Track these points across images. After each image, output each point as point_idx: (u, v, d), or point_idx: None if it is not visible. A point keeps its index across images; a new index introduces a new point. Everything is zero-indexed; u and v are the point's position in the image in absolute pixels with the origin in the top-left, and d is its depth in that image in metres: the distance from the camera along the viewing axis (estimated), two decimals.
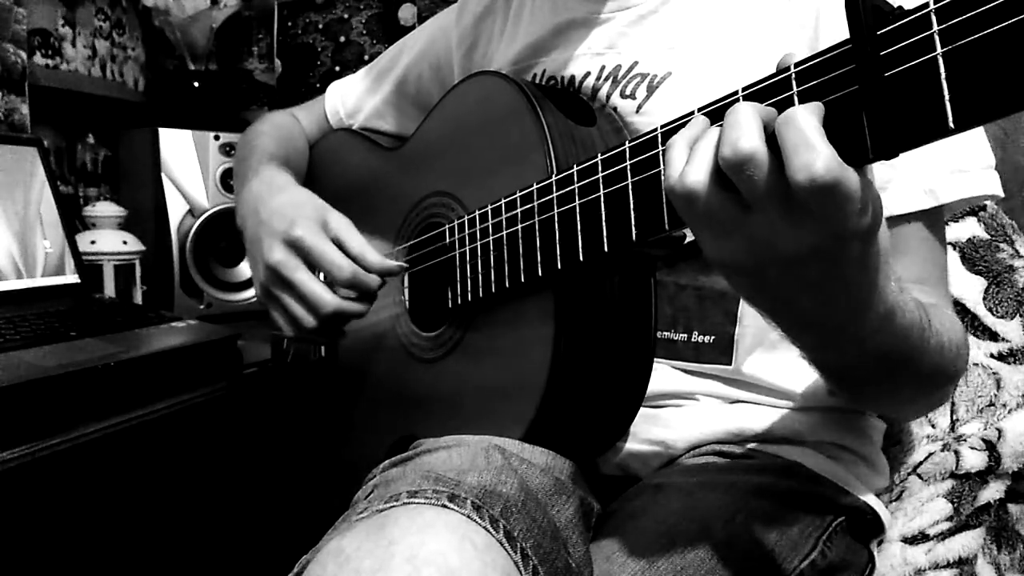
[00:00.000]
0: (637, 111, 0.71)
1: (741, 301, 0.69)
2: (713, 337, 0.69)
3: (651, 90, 0.70)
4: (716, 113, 0.44)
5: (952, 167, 0.63)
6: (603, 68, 0.74)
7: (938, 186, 0.62)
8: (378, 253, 0.73)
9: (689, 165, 0.43)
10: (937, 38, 0.34)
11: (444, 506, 0.48)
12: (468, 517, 0.48)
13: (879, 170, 0.62)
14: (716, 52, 0.68)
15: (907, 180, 0.62)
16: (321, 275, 0.74)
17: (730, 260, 0.45)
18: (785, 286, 0.45)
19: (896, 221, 0.63)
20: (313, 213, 0.75)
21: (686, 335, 0.70)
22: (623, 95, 0.72)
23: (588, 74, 0.75)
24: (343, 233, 0.74)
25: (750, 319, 0.69)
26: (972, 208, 0.85)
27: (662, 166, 0.48)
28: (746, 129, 0.40)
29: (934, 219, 0.65)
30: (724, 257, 0.45)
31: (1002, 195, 0.64)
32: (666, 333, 0.70)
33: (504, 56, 0.84)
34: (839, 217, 0.39)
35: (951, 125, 0.34)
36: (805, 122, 0.38)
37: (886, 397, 0.62)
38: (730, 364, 0.69)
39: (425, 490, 0.50)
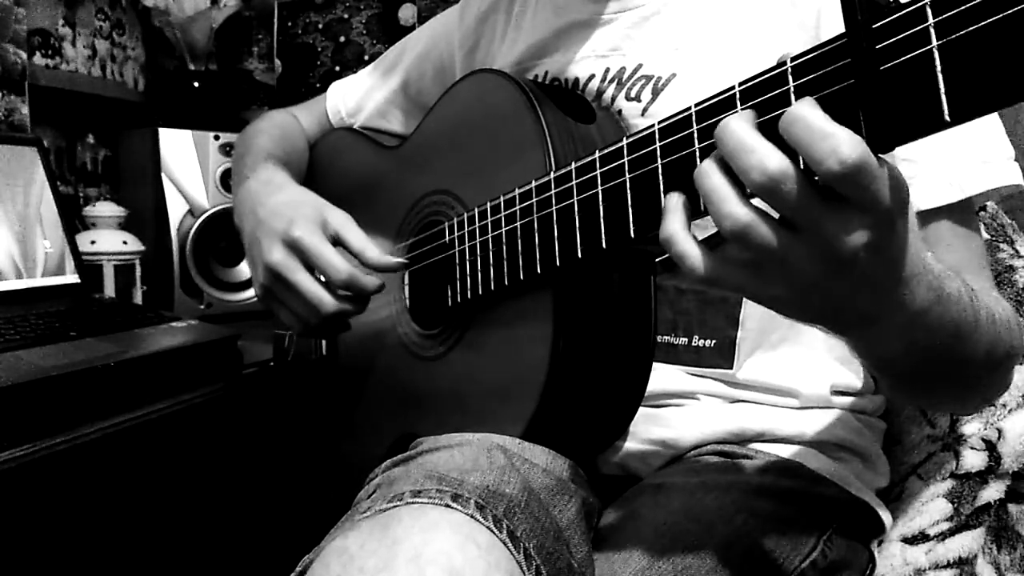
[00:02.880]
0: (643, 114, 0.71)
1: (743, 305, 0.69)
2: (714, 341, 0.69)
3: (656, 93, 0.70)
4: (713, 109, 0.44)
5: (976, 158, 0.62)
6: (607, 70, 0.74)
7: (963, 178, 0.62)
8: (378, 249, 0.73)
9: (728, 203, 0.41)
10: (932, 31, 0.34)
11: (448, 506, 0.48)
12: (471, 517, 0.48)
13: (901, 167, 0.61)
14: (719, 52, 0.68)
15: (931, 174, 0.62)
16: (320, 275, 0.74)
17: (783, 292, 0.43)
18: (838, 292, 0.43)
19: (925, 216, 0.63)
20: (312, 212, 0.75)
21: (686, 339, 0.70)
22: (628, 97, 0.72)
23: (592, 76, 0.75)
24: (343, 230, 0.74)
25: (752, 322, 0.69)
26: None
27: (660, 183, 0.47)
28: (761, 149, 0.39)
29: (963, 210, 0.64)
30: (778, 291, 0.43)
31: None
32: (666, 337, 0.70)
33: (506, 57, 0.84)
34: (876, 197, 0.38)
35: (947, 118, 0.34)
36: (812, 114, 0.37)
37: (946, 386, 0.60)
38: (731, 368, 0.69)
39: (428, 490, 0.50)
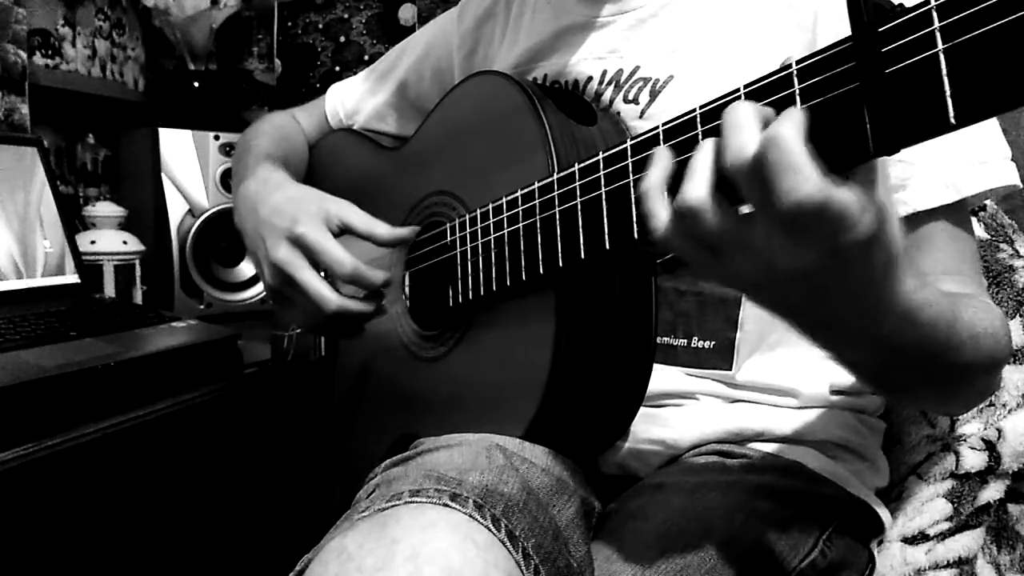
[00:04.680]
0: (640, 116, 0.71)
1: (742, 306, 0.69)
2: (713, 343, 0.69)
3: (654, 95, 0.70)
4: (717, 111, 0.44)
5: (972, 159, 0.62)
6: (605, 72, 0.74)
7: (959, 179, 0.62)
8: (386, 224, 0.73)
9: (691, 181, 0.42)
10: (938, 34, 0.34)
11: (446, 505, 0.49)
12: (470, 516, 0.48)
13: (897, 168, 0.62)
14: (717, 54, 0.68)
15: (928, 175, 0.62)
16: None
17: (731, 275, 0.45)
18: (793, 297, 0.44)
19: (920, 217, 0.63)
20: (314, 207, 0.75)
21: (685, 340, 0.70)
22: (626, 100, 0.72)
23: (591, 79, 0.75)
24: (346, 216, 0.73)
25: (751, 324, 0.69)
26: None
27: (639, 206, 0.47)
28: (750, 131, 0.39)
29: (958, 212, 0.64)
30: (723, 272, 0.45)
31: (1022, 185, 0.64)
32: (665, 339, 0.70)
33: (505, 60, 0.84)
34: (833, 235, 0.39)
35: (952, 121, 0.34)
36: (789, 142, 0.37)
37: (924, 392, 0.61)
38: (730, 369, 0.69)
39: (427, 489, 0.50)
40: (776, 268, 0.41)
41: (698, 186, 0.42)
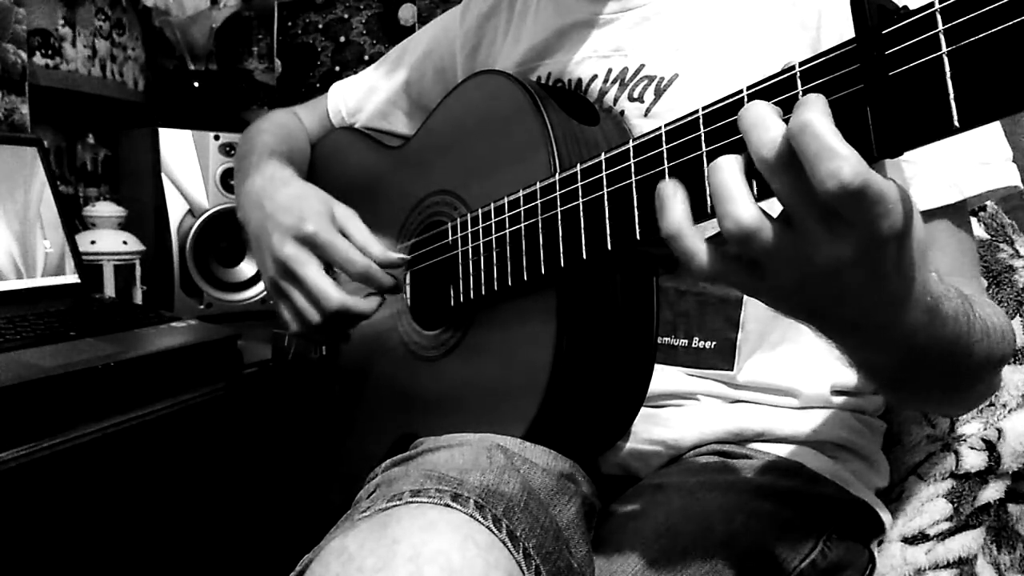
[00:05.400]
0: (645, 115, 0.71)
1: (743, 306, 0.69)
2: (714, 343, 0.69)
3: (659, 93, 0.70)
4: (720, 112, 0.44)
5: (975, 160, 0.62)
6: (610, 71, 0.74)
7: (962, 179, 0.62)
8: (381, 244, 0.73)
9: (735, 203, 0.40)
10: (942, 37, 0.34)
11: (447, 505, 0.48)
12: (471, 516, 0.48)
13: (900, 168, 0.62)
14: (721, 53, 0.68)
15: (931, 175, 0.62)
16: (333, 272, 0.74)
17: (773, 288, 0.44)
18: (824, 298, 0.43)
19: (922, 217, 0.63)
20: (321, 207, 0.75)
21: (686, 341, 0.70)
22: (631, 98, 0.72)
23: (595, 77, 0.75)
24: (348, 225, 0.74)
25: (752, 324, 0.69)
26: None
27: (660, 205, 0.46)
28: (777, 129, 0.39)
29: (959, 212, 0.64)
30: (768, 287, 0.44)
31: (1022, 187, 0.64)
32: (666, 339, 0.70)
33: (508, 58, 0.84)
34: (872, 221, 0.38)
35: (956, 124, 0.34)
36: (822, 126, 0.36)
37: (937, 392, 0.60)
38: (731, 369, 0.69)
39: (428, 489, 0.50)
40: (814, 265, 0.40)
41: (746, 206, 0.40)
